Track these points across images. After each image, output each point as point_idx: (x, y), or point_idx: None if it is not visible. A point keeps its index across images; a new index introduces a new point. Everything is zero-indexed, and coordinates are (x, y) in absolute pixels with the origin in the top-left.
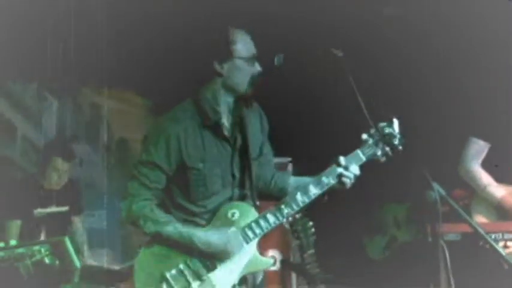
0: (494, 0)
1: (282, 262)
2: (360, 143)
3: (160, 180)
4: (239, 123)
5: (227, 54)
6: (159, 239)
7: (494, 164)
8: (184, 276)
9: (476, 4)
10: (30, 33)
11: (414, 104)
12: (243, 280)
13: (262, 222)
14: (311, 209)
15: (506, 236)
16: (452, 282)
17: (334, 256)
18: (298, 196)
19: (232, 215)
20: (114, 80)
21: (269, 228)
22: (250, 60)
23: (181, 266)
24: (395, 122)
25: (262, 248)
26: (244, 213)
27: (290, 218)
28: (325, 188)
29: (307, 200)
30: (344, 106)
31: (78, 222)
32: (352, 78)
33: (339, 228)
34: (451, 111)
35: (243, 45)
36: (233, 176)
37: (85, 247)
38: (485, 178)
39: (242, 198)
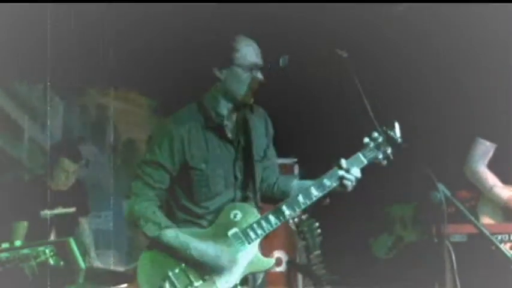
0: (494, 1)
1: (288, 263)
2: (362, 146)
3: (164, 180)
4: (243, 126)
5: (227, 61)
6: (157, 243)
7: (499, 165)
8: (187, 275)
9: (476, 4)
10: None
11: (419, 104)
12: (244, 280)
13: (264, 223)
14: (317, 210)
15: None
16: (458, 283)
17: (340, 256)
18: (300, 198)
19: (235, 216)
20: (120, 81)
21: (270, 229)
22: (250, 69)
23: (184, 265)
24: (397, 125)
25: (268, 249)
26: (246, 214)
27: (296, 219)
28: (327, 190)
29: (308, 202)
30: (350, 107)
31: (84, 223)
32: (357, 79)
33: (344, 228)
34: (455, 112)
35: (245, 53)
36: (235, 177)
37: (92, 248)
38: (491, 179)
39: (244, 199)
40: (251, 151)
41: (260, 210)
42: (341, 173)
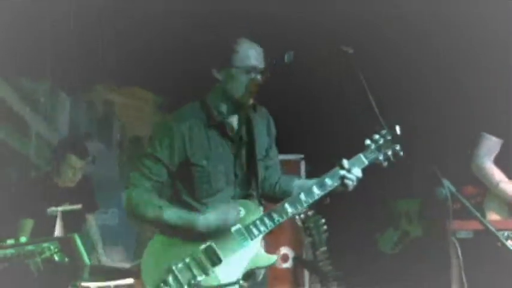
0: (494, 0)
1: (295, 259)
2: (363, 148)
3: (161, 173)
4: (246, 124)
5: (226, 61)
6: (160, 224)
7: (505, 161)
8: (190, 269)
9: (476, 4)
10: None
11: (423, 102)
12: (247, 275)
13: (266, 220)
14: (323, 207)
15: None
16: (464, 279)
17: (346, 253)
18: (302, 196)
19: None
20: (125, 77)
21: (273, 226)
22: (248, 71)
23: (188, 260)
24: (397, 128)
25: (274, 245)
26: (249, 211)
27: (302, 216)
28: (328, 189)
29: (310, 201)
30: (355, 105)
31: (92, 219)
32: (362, 75)
33: (350, 224)
34: (460, 109)
35: (244, 55)
36: (236, 175)
37: (99, 244)
38: (497, 175)
39: (245, 197)
40: (253, 149)
41: (263, 207)
42: (342, 172)
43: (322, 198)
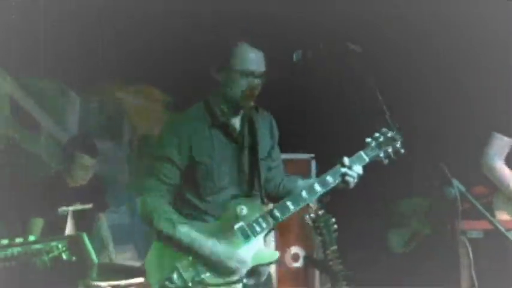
0: (494, 0)
1: (305, 258)
2: (364, 146)
3: (174, 176)
4: (248, 125)
5: (224, 63)
6: (168, 240)
7: None
8: (195, 267)
9: (476, 4)
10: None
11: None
12: (250, 273)
13: (269, 217)
14: (333, 205)
15: None
16: (475, 279)
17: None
18: (304, 194)
19: (241, 211)
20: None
21: (275, 223)
22: (247, 74)
23: (192, 258)
24: (397, 126)
25: (285, 245)
26: (252, 209)
27: (313, 215)
28: (330, 187)
29: (312, 198)
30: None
31: (102, 218)
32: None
33: (361, 222)
34: (466, 109)
35: (243, 59)
36: (239, 174)
37: (110, 243)
38: (508, 175)
39: (248, 195)
40: (256, 149)
41: (266, 205)
42: (343, 170)
43: (323, 196)
